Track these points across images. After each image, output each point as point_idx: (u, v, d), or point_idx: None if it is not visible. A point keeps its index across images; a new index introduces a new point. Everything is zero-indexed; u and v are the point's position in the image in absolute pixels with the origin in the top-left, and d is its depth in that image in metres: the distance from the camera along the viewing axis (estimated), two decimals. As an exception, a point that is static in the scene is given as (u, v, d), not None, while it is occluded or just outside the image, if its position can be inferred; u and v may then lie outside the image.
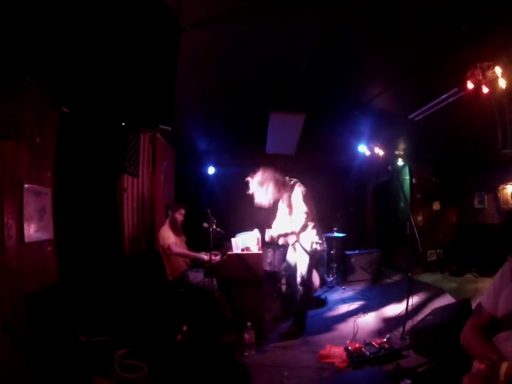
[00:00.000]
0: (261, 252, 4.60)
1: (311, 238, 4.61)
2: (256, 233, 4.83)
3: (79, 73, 3.26)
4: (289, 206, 4.77)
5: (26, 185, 3.09)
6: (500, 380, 1.39)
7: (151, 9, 2.84)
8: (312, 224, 4.64)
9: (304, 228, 4.56)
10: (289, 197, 4.71)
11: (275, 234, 4.73)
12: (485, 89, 3.87)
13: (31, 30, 2.66)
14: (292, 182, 4.72)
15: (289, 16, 3.70)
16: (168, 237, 4.81)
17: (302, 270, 4.59)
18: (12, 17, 2.47)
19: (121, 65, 2.97)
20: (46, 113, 3.39)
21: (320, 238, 4.68)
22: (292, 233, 4.65)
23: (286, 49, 4.47)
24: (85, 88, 3.42)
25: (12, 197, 2.93)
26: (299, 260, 4.67)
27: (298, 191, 4.60)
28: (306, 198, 4.57)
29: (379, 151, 7.15)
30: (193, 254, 4.90)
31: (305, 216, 4.47)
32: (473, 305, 3.79)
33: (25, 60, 2.84)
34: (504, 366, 1.41)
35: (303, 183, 4.75)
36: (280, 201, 4.87)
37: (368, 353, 3.63)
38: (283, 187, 4.66)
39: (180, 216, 5.07)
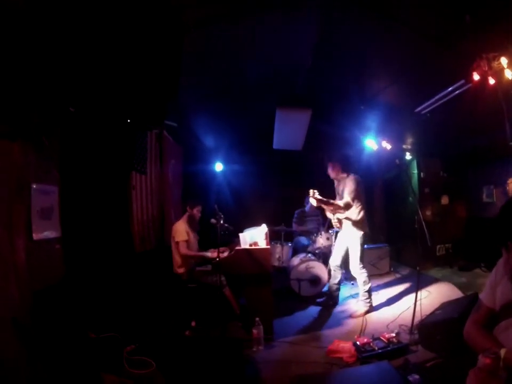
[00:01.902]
0: (269, 246, 4.62)
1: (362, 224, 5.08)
2: (264, 228, 4.85)
3: (85, 73, 3.29)
4: (340, 193, 5.24)
5: (34, 185, 3.12)
6: (499, 366, 1.43)
7: (156, 10, 2.85)
8: (362, 212, 5.09)
9: (348, 206, 5.00)
10: (341, 185, 5.25)
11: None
12: (491, 81, 3.83)
13: (37, 28, 2.68)
14: (345, 175, 5.19)
15: (294, 12, 3.69)
16: (183, 235, 4.83)
17: (353, 254, 5.08)
18: (14, 15, 2.49)
19: (127, 64, 2.99)
20: (52, 112, 3.41)
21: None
22: (337, 206, 5.03)
23: (291, 45, 4.45)
24: (91, 87, 3.45)
25: (20, 196, 2.96)
26: (351, 245, 5.13)
27: (350, 180, 5.08)
28: (359, 186, 5.07)
29: (386, 145, 7.11)
30: (199, 254, 4.97)
31: (351, 196, 4.96)
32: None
33: (30, 59, 2.86)
34: (502, 352, 1.45)
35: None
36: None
37: (376, 348, 3.63)
38: (335, 174, 5.26)
39: (198, 212, 5.12)
